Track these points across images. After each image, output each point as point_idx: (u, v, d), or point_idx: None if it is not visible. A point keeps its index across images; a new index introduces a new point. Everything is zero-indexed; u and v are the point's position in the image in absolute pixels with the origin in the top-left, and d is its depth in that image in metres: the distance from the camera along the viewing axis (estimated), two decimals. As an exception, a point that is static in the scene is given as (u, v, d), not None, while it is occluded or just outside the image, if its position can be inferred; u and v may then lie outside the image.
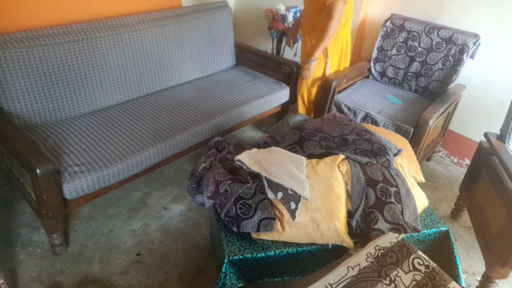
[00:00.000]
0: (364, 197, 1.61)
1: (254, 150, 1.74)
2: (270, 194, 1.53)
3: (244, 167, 1.60)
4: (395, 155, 1.83)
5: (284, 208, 1.56)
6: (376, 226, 1.54)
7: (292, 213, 1.50)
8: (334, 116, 2.01)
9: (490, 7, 2.53)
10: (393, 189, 1.61)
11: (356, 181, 1.63)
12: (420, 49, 2.75)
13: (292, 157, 1.66)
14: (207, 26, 2.85)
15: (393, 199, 1.59)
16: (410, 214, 1.60)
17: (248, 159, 1.64)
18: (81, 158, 1.91)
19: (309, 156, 1.76)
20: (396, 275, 1.29)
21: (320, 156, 1.72)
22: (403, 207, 1.59)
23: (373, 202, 1.59)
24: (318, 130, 1.84)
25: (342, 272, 1.29)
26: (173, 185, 2.47)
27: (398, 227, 1.55)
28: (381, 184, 1.62)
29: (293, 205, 1.51)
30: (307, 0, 2.56)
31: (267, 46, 3.55)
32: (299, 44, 2.98)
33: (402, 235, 1.60)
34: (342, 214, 1.58)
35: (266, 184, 1.54)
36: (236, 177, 1.62)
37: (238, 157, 1.63)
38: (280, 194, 1.52)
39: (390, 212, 1.57)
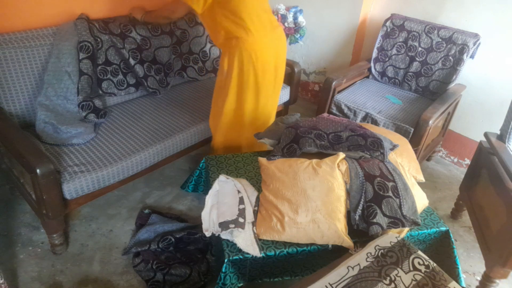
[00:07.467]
0: (363, 192, 1.61)
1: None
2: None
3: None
4: (391, 149, 1.83)
5: (285, 209, 1.56)
6: (375, 220, 1.55)
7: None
8: (328, 116, 2.02)
9: (490, 7, 2.53)
10: (390, 184, 1.62)
11: (354, 175, 1.64)
12: (420, 49, 2.75)
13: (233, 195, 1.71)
14: (207, 26, 2.85)
15: (390, 193, 1.59)
16: (408, 208, 1.60)
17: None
18: (81, 158, 1.91)
19: (304, 155, 1.76)
20: (396, 275, 1.29)
21: (317, 156, 1.73)
22: (401, 201, 1.59)
23: (371, 196, 1.59)
24: (313, 127, 1.85)
25: (342, 272, 1.29)
26: (173, 185, 2.47)
27: (396, 221, 1.56)
28: (378, 178, 1.62)
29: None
30: None
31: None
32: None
33: (403, 235, 1.60)
34: (342, 214, 1.58)
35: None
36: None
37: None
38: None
39: (388, 206, 1.57)
